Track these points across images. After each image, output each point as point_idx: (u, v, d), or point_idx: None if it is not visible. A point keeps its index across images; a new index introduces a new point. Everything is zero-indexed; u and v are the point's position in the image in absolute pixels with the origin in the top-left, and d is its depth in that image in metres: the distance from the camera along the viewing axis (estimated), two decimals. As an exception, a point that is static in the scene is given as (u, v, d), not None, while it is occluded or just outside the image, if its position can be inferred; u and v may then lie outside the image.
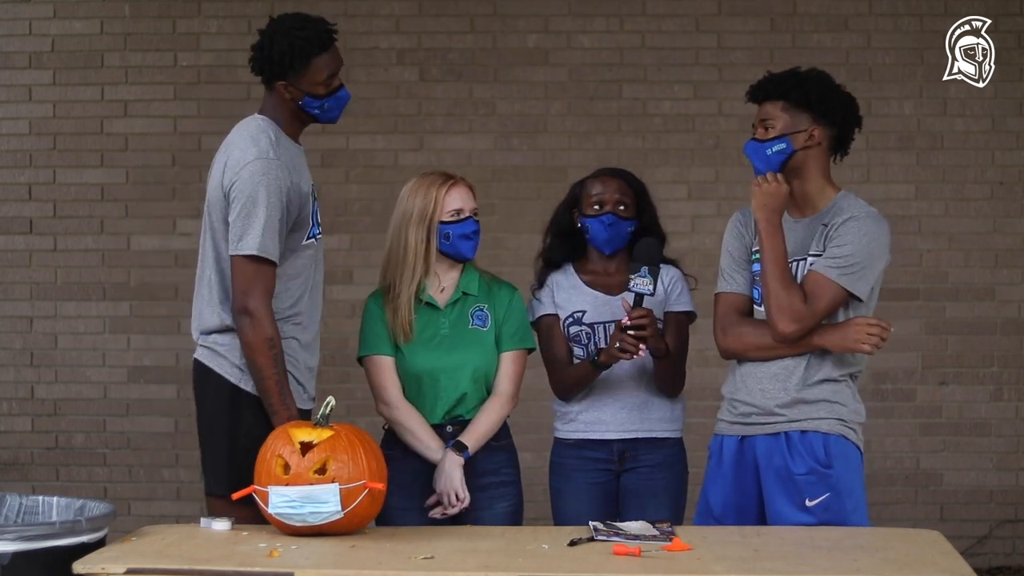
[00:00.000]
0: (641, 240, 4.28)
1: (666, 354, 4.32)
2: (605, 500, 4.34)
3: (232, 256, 3.94)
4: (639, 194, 4.47)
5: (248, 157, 3.94)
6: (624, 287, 4.36)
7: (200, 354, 4.06)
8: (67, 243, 7.24)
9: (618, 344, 4.21)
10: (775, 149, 4.03)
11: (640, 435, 4.40)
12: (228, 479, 3.91)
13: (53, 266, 7.25)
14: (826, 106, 4.05)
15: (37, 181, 7.25)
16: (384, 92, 7.16)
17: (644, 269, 4.18)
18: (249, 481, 3.72)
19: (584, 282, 4.48)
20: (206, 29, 7.19)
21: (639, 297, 4.20)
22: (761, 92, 4.10)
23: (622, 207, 4.42)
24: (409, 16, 7.17)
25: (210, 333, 4.02)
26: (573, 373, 4.40)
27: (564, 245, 4.53)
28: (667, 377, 4.40)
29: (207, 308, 4.04)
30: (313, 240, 4.09)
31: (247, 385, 3.98)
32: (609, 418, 4.40)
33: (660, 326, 4.32)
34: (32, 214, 7.25)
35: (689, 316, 4.46)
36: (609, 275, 4.47)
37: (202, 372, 4.05)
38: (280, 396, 3.92)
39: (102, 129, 7.22)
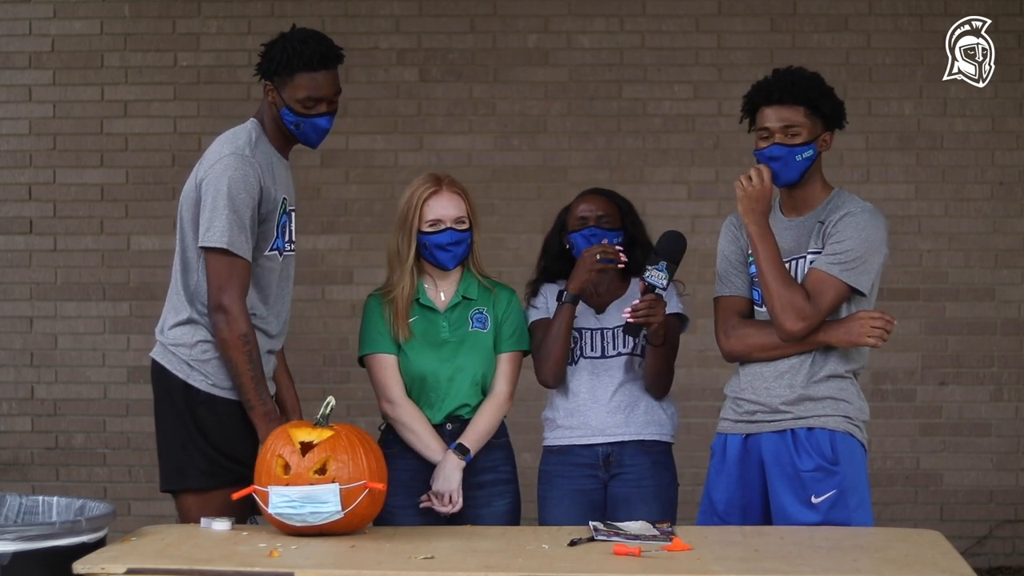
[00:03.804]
0: (666, 232, 4.26)
1: (662, 343, 4.32)
2: (591, 508, 4.28)
3: (203, 250, 3.95)
4: (623, 210, 4.49)
5: (223, 152, 3.97)
6: (610, 306, 4.42)
7: (155, 351, 4.09)
8: (67, 243, 7.24)
9: (599, 256, 4.24)
10: (804, 156, 4.03)
11: (626, 438, 4.38)
12: (186, 477, 3.96)
13: (53, 266, 7.25)
14: (834, 112, 4.07)
15: (37, 181, 7.25)
16: (384, 92, 7.16)
17: (662, 263, 4.17)
18: (206, 478, 3.85)
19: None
20: (206, 29, 7.19)
21: (651, 287, 4.19)
22: (779, 95, 4.04)
23: (604, 220, 4.43)
24: (409, 16, 7.17)
25: (167, 328, 4.04)
26: (550, 329, 4.36)
27: (557, 269, 4.51)
28: (657, 371, 4.38)
29: (170, 299, 4.07)
30: (276, 252, 4.07)
31: (196, 381, 3.99)
32: (594, 422, 4.39)
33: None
34: (32, 214, 7.25)
35: (680, 319, 4.44)
36: (599, 295, 4.47)
37: (156, 370, 4.07)
38: (256, 391, 3.94)
39: (102, 129, 7.22)
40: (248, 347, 3.93)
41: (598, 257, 4.29)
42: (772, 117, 4.05)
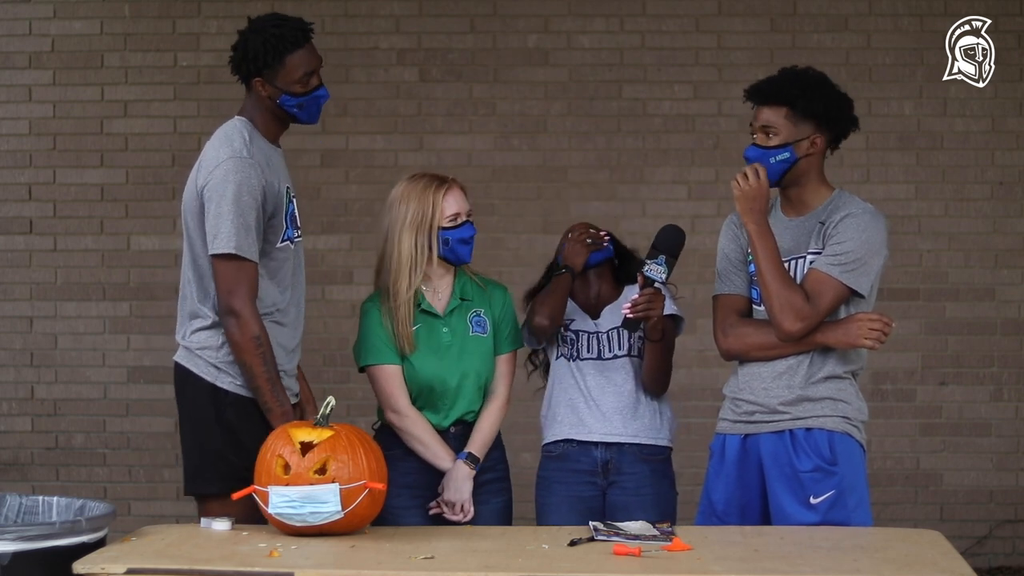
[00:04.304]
0: (664, 226, 4.25)
1: (660, 338, 4.32)
2: (589, 514, 4.23)
3: (211, 256, 3.95)
4: (611, 234, 4.55)
5: (221, 156, 3.96)
6: (604, 310, 4.45)
7: (178, 355, 4.07)
8: (67, 243, 7.24)
9: (588, 239, 4.36)
10: (778, 159, 4.02)
11: (624, 440, 4.39)
12: (213, 478, 3.93)
13: (53, 266, 7.25)
14: (830, 115, 4.04)
15: (37, 181, 7.25)
16: (384, 92, 7.16)
17: (661, 258, 4.17)
18: (234, 480, 3.79)
19: (574, 303, 4.50)
20: (206, 29, 7.19)
21: (649, 281, 4.20)
22: (761, 95, 4.07)
23: (593, 230, 4.49)
24: (409, 16, 7.17)
25: (189, 332, 4.03)
26: (546, 288, 4.43)
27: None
28: (655, 368, 4.38)
29: (188, 306, 4.06)
30: (288, 243, 4.08)
31: (224, 383, 3.98)
32: (591, 422, 4.40)
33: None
34: (32, 214, 7.25)
35: (675, 320, 4.44)
36: (592, 307, 4.49)
37: (181, 373, 4.06)
38: (273, 393, 3.93)
39: (102, 129, 7.22)
40: (261, 349, 3.92)
41: (588, 240, 4.39)
42: (759, 117, 4.07)
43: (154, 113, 7.22)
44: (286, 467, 3.60)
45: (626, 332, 4.37)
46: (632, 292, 4.26)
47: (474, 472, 4.18)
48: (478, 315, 4.29)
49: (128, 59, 7.21)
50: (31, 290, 7.26)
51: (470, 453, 4.19)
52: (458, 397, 4.23)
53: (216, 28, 7.17)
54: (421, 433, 4.20)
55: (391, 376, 4.22)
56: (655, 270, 4.17)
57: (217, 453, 3.97)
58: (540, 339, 4.47)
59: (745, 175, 4.02)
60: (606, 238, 4.47)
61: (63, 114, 7.24)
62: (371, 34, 7.13)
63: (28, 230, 7.25)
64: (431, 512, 4.20)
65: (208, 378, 3.99)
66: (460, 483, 4.16)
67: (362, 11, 7.15)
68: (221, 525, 3.73)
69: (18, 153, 7.26)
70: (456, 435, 4.24)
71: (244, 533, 3.68)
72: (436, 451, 4.20)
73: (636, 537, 3.64)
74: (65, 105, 7.24)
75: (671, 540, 3.58)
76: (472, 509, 4.16)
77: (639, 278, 4.19)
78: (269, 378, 3.93)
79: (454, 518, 4.16)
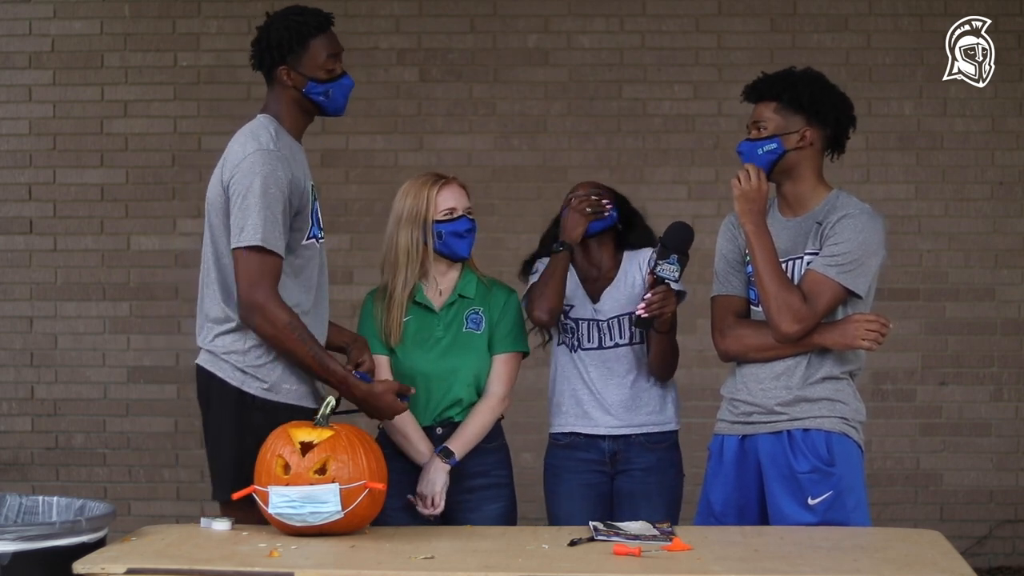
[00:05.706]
0: (672, 224, 4.23)
1: (668, 330, 4.33)
2: (598, 502, 4.31)
3: (234, 249, 3.87)
4: (617, 197, 4.53)
5: (248, 150, 3.89)
6: (604, 294, 4.44)
7: (202, 359, 4.00)
8: (67, 243, 7.24)
9: (588, 208, 4.36)
10: (766, 149, 4.05)
11: (631, 431, 4.40)
12: (240, 484, 3.83)
13: (53, 266, 7.25)
14: (818, 107, 4.05)
15: (37, 181, 7.25)
16: (384, 92, 7.16)
17: (673, 257, 4.17)
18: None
19: (575, 273, 4.49)
20: (206, 29, 7.19)
21: (660, 279, 4.19)
22: (755, 93, 4.12)
23: (596, 194, 4.47)
24: (409, 16, 7.18)
25: (213, 336, 3.99)
26: (544, 271, 4.41)
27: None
28: (663, 355, 4.39)
29: (210, 309, 3.99)
30: (314, 241, 4.05)
31: (251, 388, 3.94)
32: (598, 416, 4.40)
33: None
34: (32, 214, 7.25)
35: (678, 295, 4.44)
36: (593, 280, 4.49)
37: (205, 377, 3.99)
38: (322, 367, 3.86)
39: (102, 129, 7.22)
40: (297, 332, 3.84)
41: (588, 210, 4.39)
42: (752, 114, 4.11)
43: (154, 113, 7.22)
44: (286, 467, 3.60)
45: (626, 320, 4.37)
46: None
47: (448, 466, 4.16)
48: (476, 313, 4.29)
49: (128, 59, 7.21)
50: (31, 290, 7.26)
51: (445, 447, 4.18)
52: (443, 392, 4.23)
53: (216, 28, 7.18)
54: (404, 426, 4.19)
55: (379, 366, 4.21)
56: (667, 269, 4.16)
57: (244, 458, 3.84)
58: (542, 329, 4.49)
59: (747, 174, 4.02)
60: (608, 206, 4.46)
61: (63, 114, 7.25)
62: (371, 34, 7.13)
63: (28, 230, 7.26)
64: (404, 504, 4.17)
65: (234, 383, 3.92)
66: (432, 476, 4.15)
67: (362, 11, 7.15)
68: (221, 525, 3.72)
69: (18, 153, 7.26)
70: (443, 436, 4.23)
71: (244, 533, 3.68)
72: (417, 446, 4.20)
73: (636, 537, 3.64)
74: (65, 105, 7.24)
75: (671, 540, 3.58)
76: (442, 503, 4.15)
77: (649, 278, 4.20)
78: (314, 355, 3.86)
79: (424, 512, 4.14)
